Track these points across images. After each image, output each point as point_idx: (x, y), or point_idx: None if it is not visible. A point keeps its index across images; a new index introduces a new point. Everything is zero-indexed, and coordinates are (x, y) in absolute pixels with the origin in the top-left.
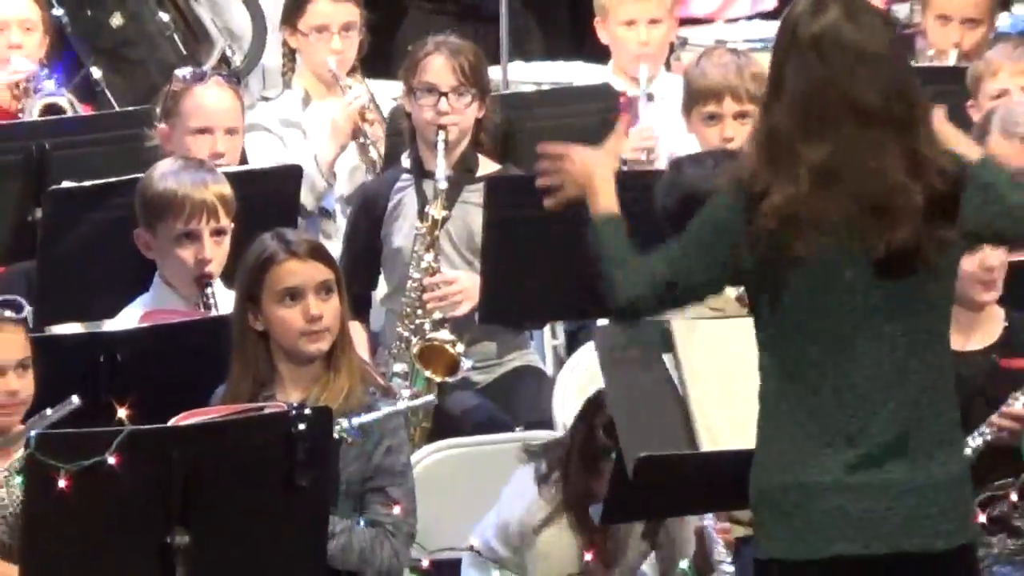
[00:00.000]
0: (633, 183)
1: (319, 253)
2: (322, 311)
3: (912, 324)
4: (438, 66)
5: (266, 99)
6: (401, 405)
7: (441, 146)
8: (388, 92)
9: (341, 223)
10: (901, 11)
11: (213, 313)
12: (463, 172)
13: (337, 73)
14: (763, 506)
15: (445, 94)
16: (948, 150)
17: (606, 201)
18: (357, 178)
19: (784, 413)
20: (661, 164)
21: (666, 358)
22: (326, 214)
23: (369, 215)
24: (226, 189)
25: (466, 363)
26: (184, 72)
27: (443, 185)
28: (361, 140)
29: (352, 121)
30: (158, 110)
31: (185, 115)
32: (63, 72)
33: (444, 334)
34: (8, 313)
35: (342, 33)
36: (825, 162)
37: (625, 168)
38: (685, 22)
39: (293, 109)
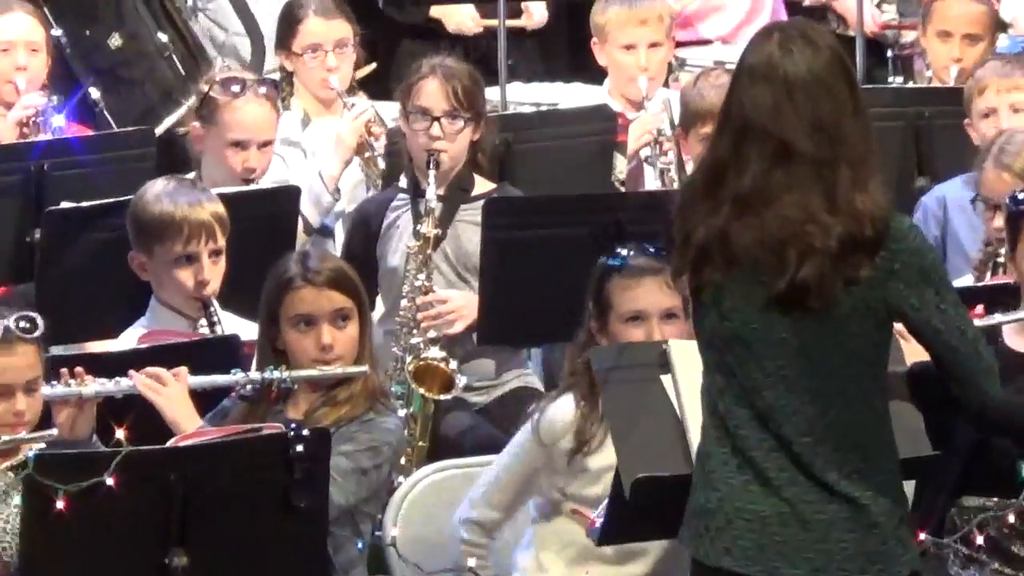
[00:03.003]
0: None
1: (339, 282)
2: (335, 339)
3: (822, 366)
4: (432, 90)
5: None
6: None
7: (432, 171)
8: (385, 113)
9: (341, 241)
10: (908, 35)
11: (218, 332)
12: (458, 192)
13: (339, 90)
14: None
15: (438, 118)
16: (874, 195)
17: None
18: (360, 194)
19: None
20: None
21: (664, 379)
22: (326, 232)
23: (365, 233)
24: (220, 209)
25: (461, 380)
26: (225, 78)
27: (433, 204)
28: (368, 154)
29: (357, 135)
30: (196, 108)
31: (222, 126)
32: (74, 108)
33: (436, 352)
34: (24, 325)
35: (336, 51)
36: (744, 193)
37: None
38: (695, 44)
39: (292, 129)
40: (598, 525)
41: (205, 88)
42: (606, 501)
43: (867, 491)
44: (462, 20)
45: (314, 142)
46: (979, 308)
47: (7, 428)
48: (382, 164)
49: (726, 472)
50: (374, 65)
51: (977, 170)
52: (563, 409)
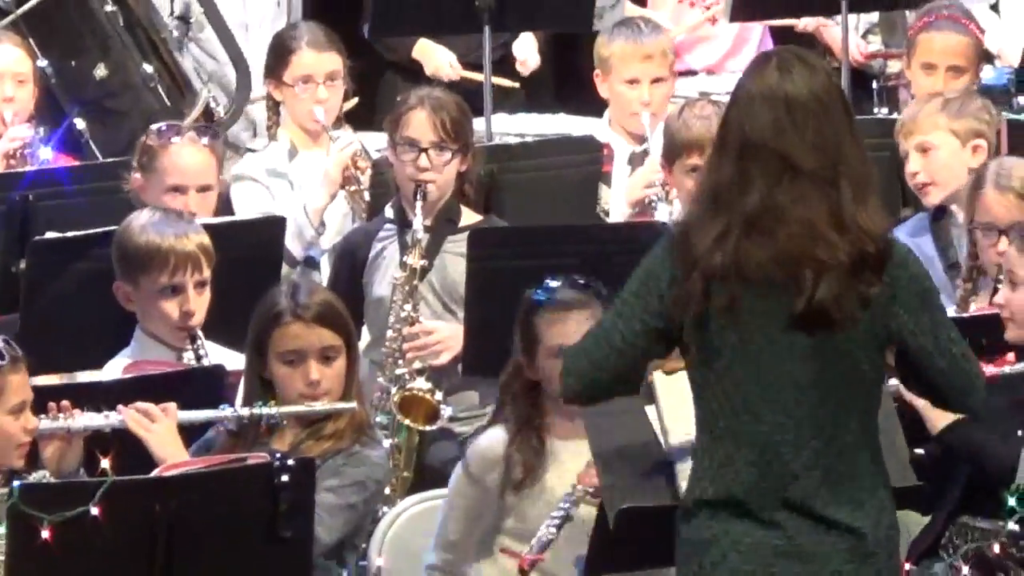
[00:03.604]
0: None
1: (327, 318)
2: (322, 375)
3: (833, 390)
4: (419, 121)
5: (252, 151)
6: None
7: (419, 202)
8: (371, 144)
9: (327, 273)
10: (893, 66)
11: (205, 363)
12: (445, 223)
13: (324, 123)
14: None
15: (425, 150)
16: (874, 213)
17: None
18: (346, 226)
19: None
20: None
21: (648, 409)
22: (312, 264)
23: (351, 264)
24: (206, 239)
25: (446, 411)
26: (160, 126)
27: (420, 235)
28: (354, 187)
29: (343, 168)
30: (134, 160)
31: (160, 171)
32: (60, 139)
33: (422, 383)
34: (12, 348)
35: (327, 83)
36: (752, 211)
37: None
38: (681, 75)
39: (279, 160)
40: (527, 565)
41: (143, 139)
42: (537, 536)
43: (866, 520)
44: (440, 66)
45: (300, 174)
46: (1010, 356)
47: (23, 448)
48: (367, 197)
49: (720, 507)
50: (356, 100)
51: (967, 200)
52: (492, 441)
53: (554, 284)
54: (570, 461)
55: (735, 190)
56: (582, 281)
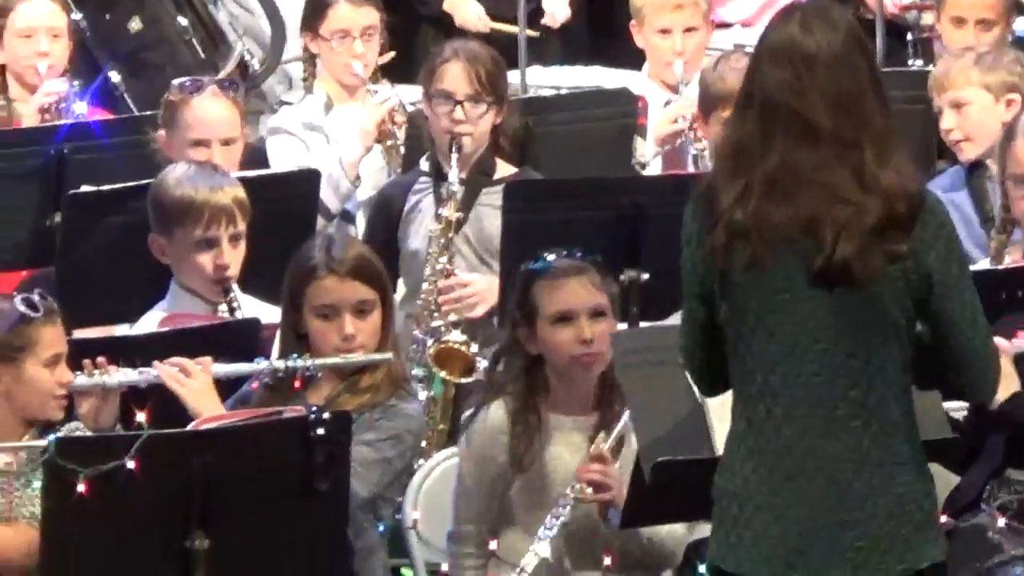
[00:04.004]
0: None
1: (362, 271)
2: (357, 329)
3: (861, 342)
4: (455, 73)
5: (288, 103)
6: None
7: (454, 154)
8: (407, 97)
9: (362, 227)
10: (927, 18)
11: (238, 316)
12: (480, 175)
13: (362, 77)
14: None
15: (460, 102)
16: (900, 171)
17: None
18: (381, 180)
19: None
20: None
21: None
22: (348, 218)
23: (386, 217)
24: (241, 193)
25: (482, 363)
26: (181, 81)
27: (455, 187)
28: (390, 142)
29: (379, 123)
30: (159, 117)
31: (182, 126)
32: (95, 93)
33: (458, 335)
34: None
35: (364, 37)
36: (772, 173)
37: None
38: (716, 27)
39: (315, 113)
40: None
41: (166, 95)
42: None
43: (905, 476)
44: (467, 17)
45: (336, 128)
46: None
47: (59, 400)
48: (403, 152)
49: (759, 476)
50: (392, 53)
51: (999, 152)
52: (494, 419)
53: (549, 256)
54: (573, 434)
55: (756, 148)
56: (578, 253)
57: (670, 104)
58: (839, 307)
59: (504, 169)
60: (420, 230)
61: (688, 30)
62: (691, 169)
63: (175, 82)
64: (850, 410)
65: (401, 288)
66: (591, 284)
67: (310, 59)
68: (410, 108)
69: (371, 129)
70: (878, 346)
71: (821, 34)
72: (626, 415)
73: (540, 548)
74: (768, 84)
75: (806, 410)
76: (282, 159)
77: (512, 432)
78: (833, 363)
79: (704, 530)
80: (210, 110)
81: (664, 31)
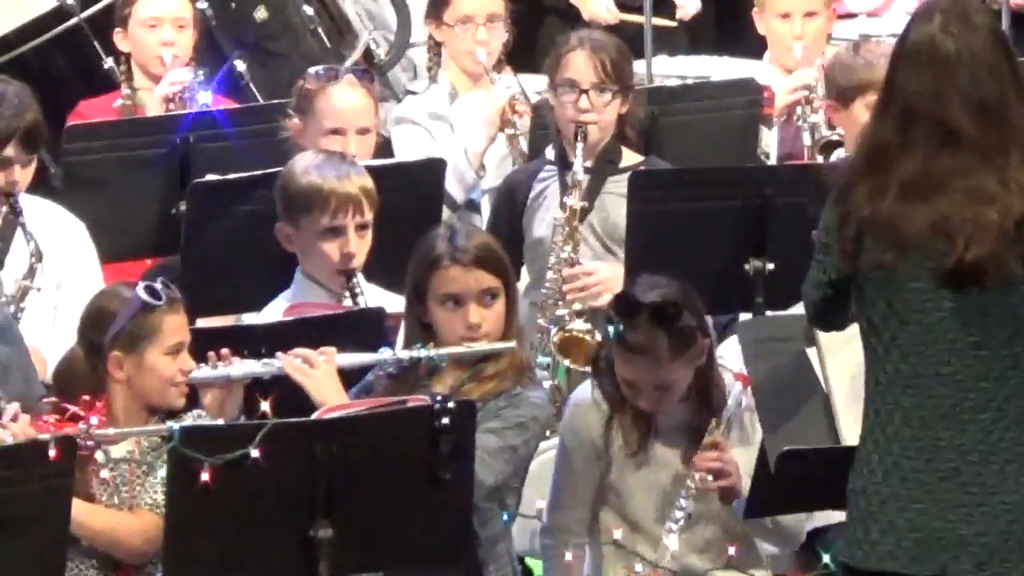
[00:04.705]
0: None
1: (486, 260)
2: (482, 318)
3: (989, 340)
4: (580, 63)
5: (413, 93)
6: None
7: (579, 143)
8: (532, 86)
9: (487, 215)
10: None
11: (361, 305)
12: (606, 164)
13: (486, 65)
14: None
15: (586, 91)
16: None
17: None
18: (505, 170)
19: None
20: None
21: (809, 352)
22: (472, 207)
23: (511, 205)
24: (368, 182)
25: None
26: (317, 69)
27: (580, 176)
28: (510, 131)
29: (502, 112)
30: (292, 103)
31: (318, 115)
32: (220, 82)
33: (581, 324)
34: (170, 288)
35: (487, 24)
36: (911, 177)
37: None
38: (842, 17)
39: (440, 102)
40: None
41: (301, 83)
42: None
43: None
44: (597, 9)
45: (461, 117)
46: None
47: (180, 388)
48: (524, 144)
49: (888, 469)
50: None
51: None
52: (584, 397)
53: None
54: (672, 436)
55: (895, 151)
56: None
57: (791, 75)
58: (968, 301)
59: (630, 158)
60: (545, 218)
61: (808, 14)
62: (806, 143)
63: (311, 70)
64: (979, 402)
65: (525, 276)
66: None
67: (435, 48)
68: (535, 97)
69: (494, 118)
70: (1007, 339)
71: (962, 37)
72: (731, 400)
73: (670, 541)
74: (908, 89)
75: (935, 401)
76: (407, 149)
77: (617, 423)
78: (963, 355)
79: (823, 517)
80: (347, 99)
81: (784, 15)
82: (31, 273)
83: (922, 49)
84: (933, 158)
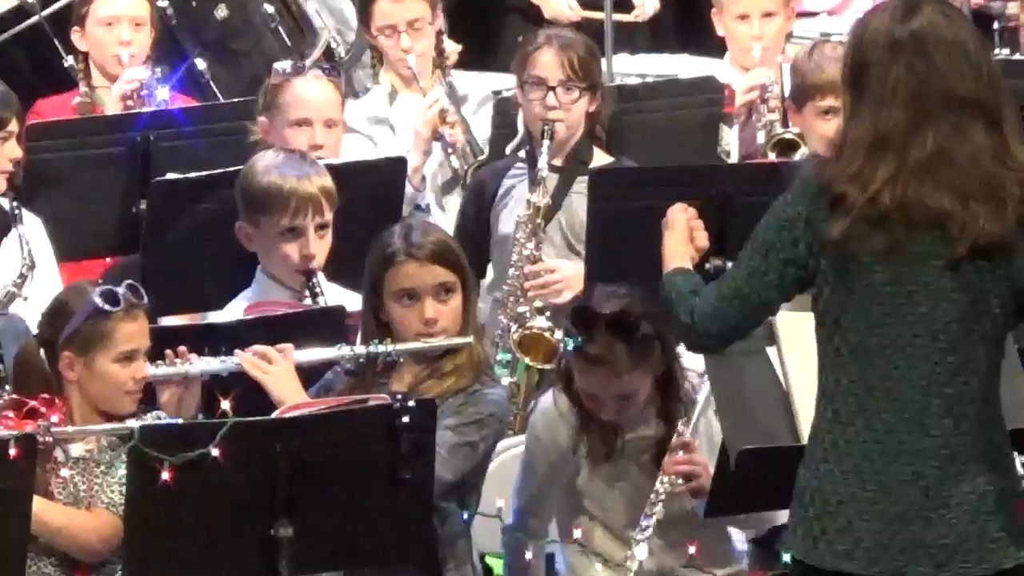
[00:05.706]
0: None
1: (441, 256)
2: (438, 313)
3: (960, 341)
4: (548, 60)
5: (354, 97)
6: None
7: (546, 141)
8: (494, 85)
9: (437, 213)
10: (1012, 7)
11: (321, 303)
12: (577, 164)
13: (416, 72)
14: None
15: (553, 88)
16: None
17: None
18: (444, 176)
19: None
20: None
21: (769, 351)
22: (419, 209)
23: (480, 201)
24: (328, 182)
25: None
26: (283, 65)
27: (545, 173)
28: (442, 143)
29: (432, 126)
30: (259, 103)
31: (284, 107)
32: (177, 78)
33: (542, 321)
34: (133, 294)
35: (410, 31)
36: (926, 155)
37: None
38: (801, 16)
39: (380, 105)
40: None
41: (267, 81)
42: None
43: (992, 475)
44: (559, 7)
45: (401, 118)
46: None
47: (131, 395)
48: (455, 160)
49: (847, 470)
50: (459, 47)
51: None
52: (548, 403)
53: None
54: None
55: (901, 139)
56: None
57: (746, 75)
58: (960, 292)
59: (601, 158)
60: (511, 215)
61: (766, 15)
62: (760, 141)
63: (277, 65)
64: (943, 407)
65: (490, 273)
66: None
67: (377, 51)
68: (494, 96)
69: (426, 134)
70: (975, 345)
71: (960, 23)
72: (699, 399)
73: (639, 551)
74: (918, 70)
75: (899, 405)
76: (351, 158)
77: (580, 419)
78: (931, 359)
79: (786, 515)
80: (313, 90)
81: (742, 16)
82: (21, 280)
83: (925, 36)
84: (941, 131)
